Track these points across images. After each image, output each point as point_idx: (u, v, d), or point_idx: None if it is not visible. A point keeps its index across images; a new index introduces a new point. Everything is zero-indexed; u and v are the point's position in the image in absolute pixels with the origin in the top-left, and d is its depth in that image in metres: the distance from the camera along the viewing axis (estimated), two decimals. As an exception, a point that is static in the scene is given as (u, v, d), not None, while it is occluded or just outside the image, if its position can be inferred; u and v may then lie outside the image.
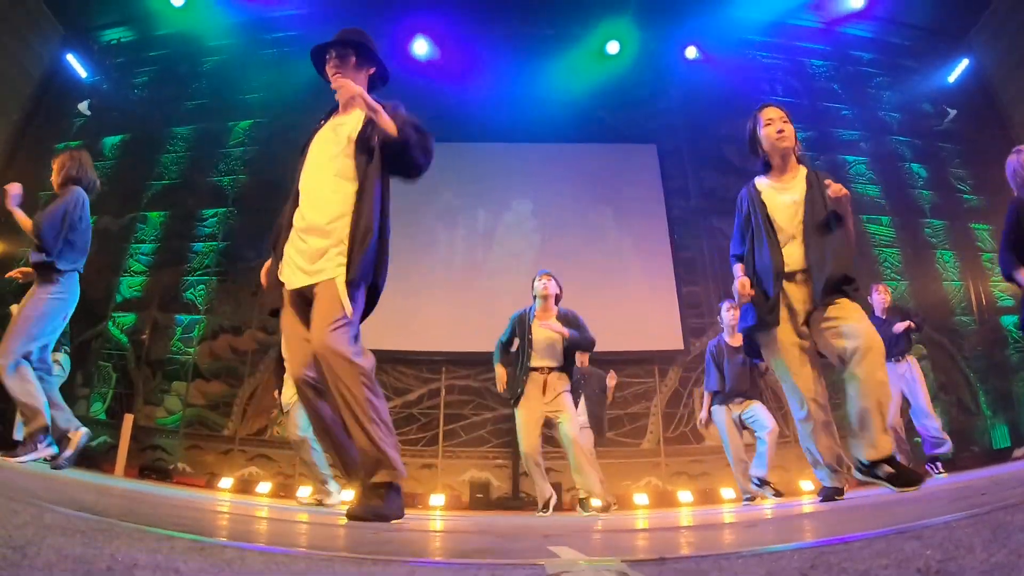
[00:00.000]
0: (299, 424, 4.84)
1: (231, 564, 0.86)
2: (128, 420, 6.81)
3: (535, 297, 4.93)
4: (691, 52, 9.52)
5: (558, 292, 4.93)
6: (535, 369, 4.74)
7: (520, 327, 4.87)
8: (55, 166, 4.24)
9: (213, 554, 0.91)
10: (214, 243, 8.62)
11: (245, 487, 7.00)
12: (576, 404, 4.98)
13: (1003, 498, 1.35)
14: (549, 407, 4.67)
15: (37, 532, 0.91)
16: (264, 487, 6.86)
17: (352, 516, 2.23)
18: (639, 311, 8.05)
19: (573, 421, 4.66)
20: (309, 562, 0.94)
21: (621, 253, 8.47)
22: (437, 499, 6.72)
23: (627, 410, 7.62)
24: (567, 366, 4.82)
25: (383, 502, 2.27)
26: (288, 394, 4.96)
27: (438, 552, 1.43)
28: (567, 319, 4.81)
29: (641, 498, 6.87)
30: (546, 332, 4.76)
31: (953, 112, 9.32)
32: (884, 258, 8.48)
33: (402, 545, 1.54)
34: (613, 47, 9.44)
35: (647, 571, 0.87)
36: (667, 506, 6.75)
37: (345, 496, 4.89)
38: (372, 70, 2.80)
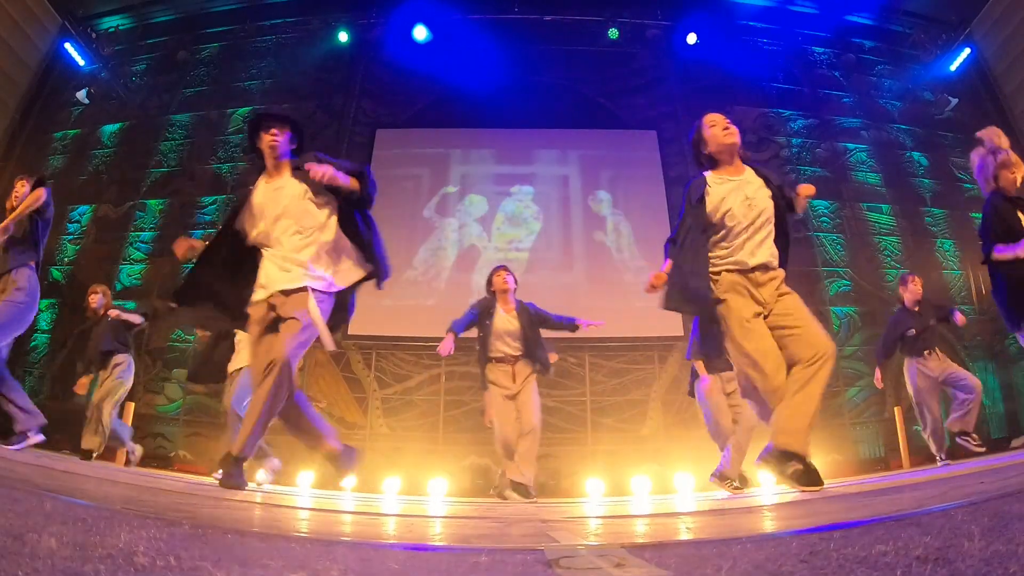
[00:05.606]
0: (235, 394, 5.25)
1: (231, 550, 0.86)
2: (128, 408, 6.82)
3: (493, 292, 5.17)
4: (692, 38, 9.45)
5: (515, 286, 5.19)
6: (499, 359, 5.00)
7: (485, 315, 5.08)
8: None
9: (213, 541, 0.91)
10: (213, 231, 8.59)
11: (245, 474, 7.01)
12: None
13: (1001, 487, 1.36)
14: (519, 388, 4.95)
15: (38, 520, 0.92)
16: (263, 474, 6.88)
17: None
18: (639, 297, 8.04)
19: (534, 410, 4.88)
20: (309, 547, 0.95)
21: (621, 239, 8.46)
22: (438, 484, 6.74)
23: (627, 396, 7.64)
24: (532, 352, 5.00)
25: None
26: (234, 363, 5.42)
27: (438, 537, 1.44)
28: (529, 313, 5.08)
29: (641, 484, 6.89)
30: (508, 323, 5.01)
31: (954, 101, 9.26)
32: (884, 246, 8.47)
33: (402, 530, 1.55)
34: (614, 33, 9.38)
35: (647, 556, 0.87)
36: (667, 492, 6.77)
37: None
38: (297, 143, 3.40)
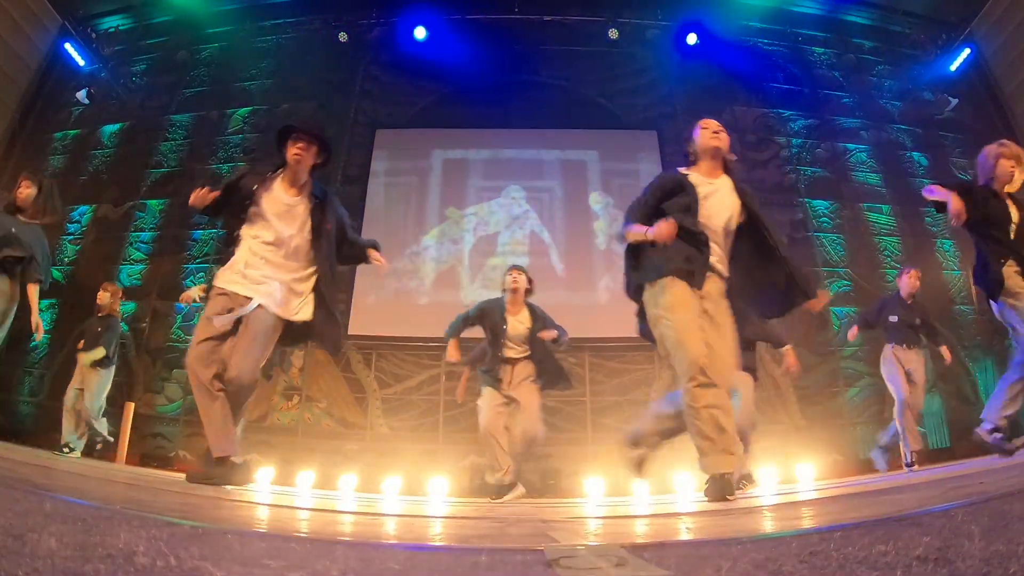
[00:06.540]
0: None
1: (231, 550, 0.86)
2: (129, 408, 6.82)
3: (504, 291, 5.11)
4: (692, 38, 9.45)
5: (528, 287, 5.12)
6: (507, 360, 5.00)
7: (491, 319, 5.05)
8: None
9: (214, 540, 0.91)
10: (213, 231, 8.58)
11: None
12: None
13: (1001, 487, 1.36)
14: (514, 391, 4.96)
15: (38, 520, 0.92)
16: (265, 473, 6.87)
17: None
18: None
19: (532, 417, 4.85)
20: (309, 547, 0.95)
21: (621, 239, 8.44)
22: (437, 484, 6.73)
23: (627, 396, 7.63)
24: (535, 354, 5.01)
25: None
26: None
27: (438, 537, 1.44)
28: (543, 319, 5.04)
29: (641, 484, 6.87)
30: (518, 326, 4.99)
31: (955, 101, 9.25)
32: (884, 246, 8.47)
33: (402, 530, 1.55)
34: (614, 33, 9.38)
35: (647, 556, 0.87)
36: (667, 492, 6.76)
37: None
38: (323, 158, 3.38)
